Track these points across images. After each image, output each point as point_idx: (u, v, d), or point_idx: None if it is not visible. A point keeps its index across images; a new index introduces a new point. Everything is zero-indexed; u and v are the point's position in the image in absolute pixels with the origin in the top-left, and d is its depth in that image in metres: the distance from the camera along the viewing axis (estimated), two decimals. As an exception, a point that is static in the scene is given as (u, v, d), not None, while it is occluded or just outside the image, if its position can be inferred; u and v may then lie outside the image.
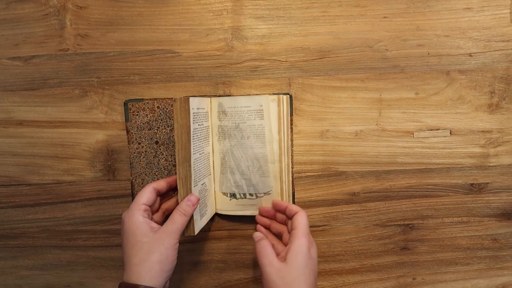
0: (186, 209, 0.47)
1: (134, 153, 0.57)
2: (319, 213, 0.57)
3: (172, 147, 0.56)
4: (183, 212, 0.46)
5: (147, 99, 0.56)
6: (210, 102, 0.54)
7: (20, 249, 0.59)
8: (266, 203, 0.55)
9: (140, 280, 0.43)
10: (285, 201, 0.54)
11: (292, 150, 0.56)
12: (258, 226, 0.54)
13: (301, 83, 0.56)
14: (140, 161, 0.57)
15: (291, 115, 0.56)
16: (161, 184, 0.50)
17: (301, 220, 0.48)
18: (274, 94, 0.55)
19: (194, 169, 0.48)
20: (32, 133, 0.57)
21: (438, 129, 0.56)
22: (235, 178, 0.55)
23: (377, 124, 0.56)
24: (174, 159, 0.55)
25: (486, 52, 0.55)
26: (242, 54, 0.56)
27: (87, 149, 0.57)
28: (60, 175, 0.58)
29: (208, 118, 0.53)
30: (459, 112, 0.56)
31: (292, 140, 0.56)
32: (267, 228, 0.54)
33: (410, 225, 0.57)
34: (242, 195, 0.55)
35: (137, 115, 0.56)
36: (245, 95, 0.56)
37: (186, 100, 0.45)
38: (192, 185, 0.48)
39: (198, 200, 0.48)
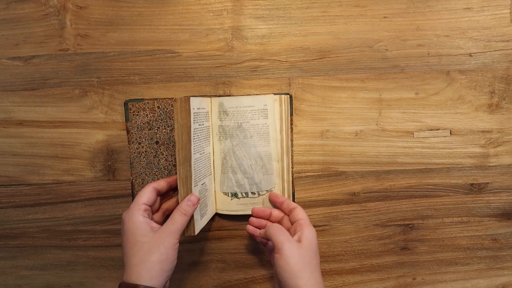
0: (187, 209, 0.47)
1: (134, 153, 0.57)
2: (319, 213, 0.57)
3: (172, 147, 0.56)
4: (183, 212, 0.46)
5: (147, 99, 0.56)
6: (211, 102, 0.54)
7: (20, 249, 0.59)
8: (269, 202, 0.55)
9: (140, 280, 0.43)
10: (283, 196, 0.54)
11: (292, 150, 0.56)
12: (249, 226, 0.54)
13: (301, 83, 0.56)
14: (140, 161, 0.57)
15: (291, 115, 0.56)
16: (161, 184, 0.50)
17: (303, 213, 0.50)
18: (274, 94, 0.55)
19: (194, 169, 0.48)
20: (32, 133, 0.57)
21: (438, 129, 0.56)
22: (237, 177, 0.55)
23: (377, 124, 0.56)
24: (175, 159, 0.55)
25: (486, 52, 0.55)
26: (242, 54, 0.56)
27: (87, 149, 0.57)
28: (60, 175, 0.58)
29: (208, 118, 0.53)
30: (459, 112, 0.56)
31: (292, 140, 0.56)
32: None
33: (410, 225, 0.57)
34: (244, 194, 0.55)
35: (137, 115, 0.56)
36: (246, 95, 0.56)
37: (186, 100, 0.45)
38: (193, 185, 0.48)
39: (199, 200, 0.48)
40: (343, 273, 0.58)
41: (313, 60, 0.55)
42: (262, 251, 0.58)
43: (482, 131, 0.56)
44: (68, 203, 0.58)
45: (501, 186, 0.57)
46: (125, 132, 0.57)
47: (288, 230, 0.50)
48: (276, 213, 0.53)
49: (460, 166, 0.56)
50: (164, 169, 0.56)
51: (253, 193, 0.55)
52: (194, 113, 0.47)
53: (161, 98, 0.56)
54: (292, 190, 0.57)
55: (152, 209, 0.49)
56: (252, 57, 0.56)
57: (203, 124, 0.51)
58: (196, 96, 0.56)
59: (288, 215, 0.52)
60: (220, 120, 0.54)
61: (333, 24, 0.55)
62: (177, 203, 0.48)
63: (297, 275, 0.44)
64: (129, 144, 0.56)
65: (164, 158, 0.56)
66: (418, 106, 0.56)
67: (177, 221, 0.46)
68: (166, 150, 0.56)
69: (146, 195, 0.48)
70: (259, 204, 0.55)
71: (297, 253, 0.45)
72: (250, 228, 0.53)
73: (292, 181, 0.57)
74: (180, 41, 0.56)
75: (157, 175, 0.56)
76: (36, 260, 0.59)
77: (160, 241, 0.45)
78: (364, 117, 0.56)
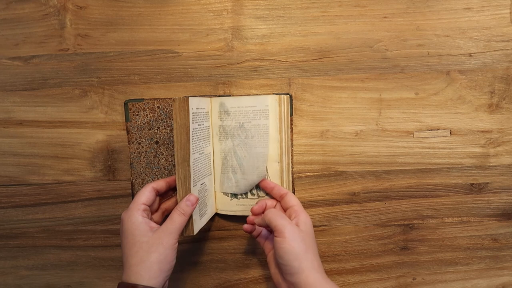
0: (185, 209, 0.47)
1: (134, 153, 0.57)
2: (319, 213, 0.57)
3: (172, 147, 0.56)
4: (182, 212, 0.46)
5: (147, 99, 0.56)
6: (211, 102, 0.54)
7: (20, 249, 0.59)
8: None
9: (139, 280, 0.43)
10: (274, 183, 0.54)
11: (292, 150, 0.56)
12: (245, 225, 0.53)
13: (301, 83, 0.56)
14: (140, 161, 0.57)
15: (291, 115, 0.56)
16: (161, 184, 0.50)
17: (295, 199, 0.51)
18: (274, 94, 0.55)
19: (193, 169, 0.48)
20: (32, 133, 0.57)
21: (438, 129, 0.56)
22: (237, 178, 0.55)
23: (377, 124, 0.56)
24: (174, 159, 0.55)
25: (486, 52, 0.55)
26: (242, 54, 0.56)
27: (87, 149, 0.57)
28: (60, 175, 0.58)
29: (208, 118, 0.53)
30: (459, 112, 0.56)
31: (292, 140, 0.56)
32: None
33: (410, 225, 0.57)
34: (243, 194, 0.55)
35: (137, 115, 0.56)
36: (247, 95, 0.56)
37: (185, 100, 0.45)
38: (192, 185, 0.48)
39: (197, 200, 0.48)
40: (343, 273, 0.58)
41: (313, 60, 0.55)
42: (262, 251, 0.58)
43: (482, 131, 0.56)
44: (68, 203, 0.58)
45: (501, 186, 0.57)
46: (125, 132, 0.57)
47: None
48: (270, 202, 0.53)
49: (460, 166, 0.56)
50: (164, 169, 0.56)
51: (252, 194, 0.55)
52: (193, 113, 0.47)
53: (161, 98, 0.56)
54: (292, 190, 0.57)
55: (151, 209, 0.49)
56: (252, 57, 0.56)
57: (202, 124, 0.51)
58: (195, 96, 0.56)
59: (280, 201, 0.52)
60: (221, 120, 0.54)
61: (333, 24, 0.55)
62: (176, 203, 0.48)
63: (301, 257, 0.44)
64: (129, 144, 0.56)
65: (164, 158, 0.56)
66: (418, 106, 0.56)
67: (176, 221, 0.46)
68: (166, 150, 0.56)
69: (145, 195, 0.48)
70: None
71: (299, 236, 0.46)
72: (246, 226, 0.53)
73: (292, 181, 0.57)
74: (180, 41, 0.56)
75: (157, 175, 0.56)
76: (36, 260, 0.59)
77: (159, 241, 0.45)
78: (364, 117, 0.56)
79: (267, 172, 0.54)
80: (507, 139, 0.56)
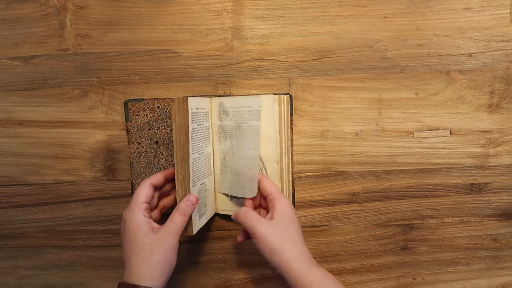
0: (186, 209, 0.47)
1: (134, 153, 0.57)
2: (319, 213, 0.57)
3: (172, 147, 0.56)
4: (182, 212, 0.46)
5: (147, 99, 0.56)
6: (210, 102, 0.54)
7: (20, 249, 0.59)
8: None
9: (140, 281, 0.43)
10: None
11: (292, 150, 0.56)
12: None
13: (301, 83, 0.56)
14: (140, 161, 0.57)
15: (291, 115, 0.56)
16: (158, 178, 0.49)
17: (271, 185, 0.50)
18: (274, 94, 0.55)
19: (193, 169, 0.47)
20: (32, 133, 0.57)
21: (438, 129, 0.56)
22: (232, 179, 0.54)
23: (377, 124, 0.56)
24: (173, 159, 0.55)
25: (486, 52, 0.55)
26: (242, 54, 0.56)
27: (87, 149, 0.57)
28: (60, 175, 0.58)
29: (208, 118, 0.53)
30: (459, 112, 0.56)
31: (292, 140, 0.56)
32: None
33: (410, 225, 0.57)
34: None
35: (137, 115, 0.56)
36: (246, 95, 0.56)
37: (184, 100, 0.45)
38: (191, 184, 0.47)
39: (197, 199, 0.48)
40: (343, 273, 0.58)
41: (313, 60, 0.55)
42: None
43: (482, 131, 0.56)
44: (68, 203, 0.58)
45: (501, 186, 0.57)
46: (125, 132, 0.57)
47: (266, 207, 0.50)
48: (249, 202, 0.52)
49: (460, 166, 0.56)
50: (164, 169, 0.56)
51: (236, 198, 0.55)
52: (192, 113, 0.47)
53: (161, 98, 0.56)
54: (292, 190, 0.57)
55: (150, 206, 0.49)
56: (252, 57, 0.56)
57: (202, 124, 0.51)
58: (195, 96, 0.56)
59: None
60: (220, 120, 0.54)
61: (333, 24, 0.55)
62: (175, 201, 0.48)
63: (279, 251, 0.45)
64: (129, 144, 0.56)
65: (164, 158, 0.56)
66: (418, 106, 0.56)
67: (177, 221, 0.46)
68: (166, 150, 0.56)
69: (145, 192, 0.47)
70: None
71: (271, 231, 0.46)
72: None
73: (292, 181, 0.57)
74: (180, 41, 0.56)
75: (157, 175, 0.56)
76: (36, 260, 0.59)
77: (161, 242, 0.45)
78: (364, 117, 0.56)
79: (266, 173, 0.54)
80: (507, 139, 0.56)
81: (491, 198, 0.57)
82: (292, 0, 0.55)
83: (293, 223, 0.47)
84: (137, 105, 0.56)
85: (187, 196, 0.47)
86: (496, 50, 0.55)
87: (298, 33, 0.55)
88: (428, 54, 0.55)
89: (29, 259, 0.59)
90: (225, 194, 0.56)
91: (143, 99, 0.56)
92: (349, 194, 0.57)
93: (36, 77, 0.57)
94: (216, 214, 0.57)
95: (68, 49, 0.56)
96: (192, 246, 0.58)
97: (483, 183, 0.57)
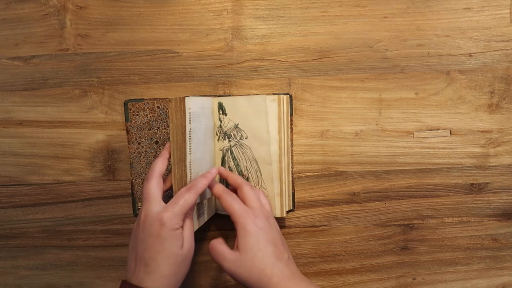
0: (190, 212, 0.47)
1: (134, 153, 0.57)
2: (319, 213, 0.57)
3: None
4: (190, 216, 0.47)
5: (147, 99, 0.56)
6: (211, 101, 0.54)
7: (20, 249, 0.59)
8: None
9: None
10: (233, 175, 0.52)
11: (292, 150, 0.56)
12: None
13: (301, 83, 0.56)
14: (140, 161, 0.57)
15: (291, 115, 0.56)
16: (164, 165, 0.48)
17: (229, 204, 0.46)
18: (274, 94, 0.55)
19: (191, 169, 0.47)
20: (32, 133, 0.57)
21: (438, 129, 0.56)
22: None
23: (377, 124, 0.56)
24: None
25: (486, 52, 0.55)
26: (242, 54, 0.56)
27: (87, 149, 0.57)
28: (60, 175, 0.58)
29: (210, 118, 0.53)
30: (459, 112, 0.56)
31: (292, 140, 0.56)
32: None
33: (410, 225, 0.57)
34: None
35: (137, 115, 0.56)
36: (245, 95, 0.56)
37: (181, 100, 0.45)
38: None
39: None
40: (343, 273, 0.58)
41: (313, 60, 0.55)
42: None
43: (482, 131, 0.56)
44: (68, 203, 0.58)
45: (501, 186, 0.57)
46: (125, 132, 0.57)
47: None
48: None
49: (460, 166, 0.56)
50: (164, 169, 0.56)
51: None
52: (192, 112, 0.47)
53: (161, 98, 0.56)
54: (292, 190, 0.57)
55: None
56: (252, 57, 0.56)
57: (204, 124, 0.51)
58: (195, 96, 0.56)
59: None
60: (220, 120, 0.54)
61: (333, 24, 0.55)
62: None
63: (248, 283, 0.44)
64: (129, 144, 0.56)
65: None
66: (418, 106, 0.56)
67: (192, 227, 0.47)
68: (166, 150, 0.56)
69: (186, 199, 0.45)
70: None
71: (236, 267, 0.44)
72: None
73: (292, 181, 0.57)
74: (180, 41, 0.56)
75: (157, 175, 0.56)
76: (36, 260, 0.59)
77: (189, 257, 0.45)
78: (364, 117, 0.56)
79: (261, 175, 0.54)
80: (507, 139, 0.56)
81: (491, 198, 0.57)
82: (292, 0, 0.55)
83: (259, 244, 0.44)
84: (137, 105, 0.56)
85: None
86: (496, 50, 0.55)
87: (298, 33, 0.55)
88: (428, 54, 0.55)
89: (29, 259, 0.59)
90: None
91: (143, 99, 0.56)
92: (349, 194, 0.57)
93: (36, 77, 0.57)
94: (216, 214, 0.57)
95: (68, 49, 0.56)
96: (192, 246, 0.58)
97: (483, 183, 0.57)
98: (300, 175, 0.57)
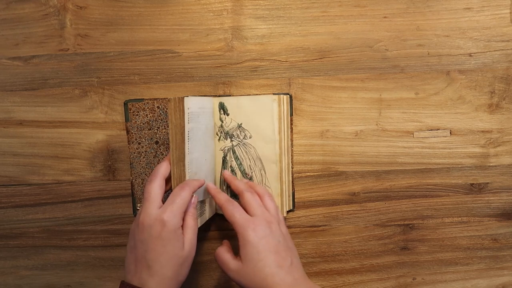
0: (193, 211, 0.47)
1: (134, 153, 0.57)
2: (319, 213, 0.57)
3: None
4: (194, 217, 0.47)
5: (147, 99, 0.56)
6: (212, 102, 0.54)
7: (20, 249, 0.59)
8: None
9: None
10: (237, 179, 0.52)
11: (292, 150, 0.56)
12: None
13: (301, 83, 0.56)
14: (140, 161, 0.57)
15: (291, 115, 0.56)
16: (167, 167, 0.48)
17: (230, 213, 0.47)
18: (274, 94, 0.55)
19: (191, 169, 0.47)
20: (32, 133, 0.57)
21: (438, 129, 0.56)
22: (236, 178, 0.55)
23: (377, 124, 0.56)
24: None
25: (486, 52, 0.55)
26: (242, 54, 0.56)
27: (87, 149, 0.57)
28: (60, 175, 0.58)
29: (211, 118, 0.53)
30: (459, 112, 0.56)
31: (292, 140, 0.56)
32: None
33: (410, 225, 0.57)
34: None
35: (137, 115, 0.56)
36: (246, 95, 0.56)
37: (180, 100, 0.45)
38: None
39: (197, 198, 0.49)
40: (343, 273, 0.58)
41: (313, 60, 0.55)
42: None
43: (482, 131, 0.56)
44: (68, 203, 0.58)
45: (501, 186, 0.57)
46: (125, 132, 0.57)
47: None
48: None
49: (460, 166, 0.56)
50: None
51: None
52: (192, 112, 0.47)
53: (161, 98, 0.56)
54: (292, 190, 0.57)
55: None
56: (252, 57, 0.56)
57: (204, 124, 0.51)
58: (195, 96, 0.56)
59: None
60: (221, 120, 0.54)
61: (333, 24, 0.55)
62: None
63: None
64: (129, 144, 0.56)
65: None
66: (418, 106, 0.56)
67: (194, 228, 0.46)
68: (166, 150, 0.56)
69: (183, 197, 0.45)
70: None
71: (241, 276, 0.45)
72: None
73: (292, 181, 0.57)
74: (180, 41, 0.56)
75: (157, 175, 0.56)
76: (36, 260, 0.59)
77: (191, 257, 0.45)
78: (364, 117, 0.56)
79: (265, 174, 0.54)
80: (507, 139, 0.56)
81: (491, 198, 0.57)
82: (292, 0, 0.55)
83: (260, 253, 0.44)
84: (137, 105, 0.56)
85: (192, 199, 0.47)
86: (496, 50, 0.55)
87: (298, 33, 0.55)
88: (428, 54, 0.55)
89: (29, 259, 0.59)
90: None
91: (143, 99, 0.56)
92: (349, 194, 0.57)
93: (36, 77, 0.57)
94: (216, 214, 0.57)
95: (68, 49, 0.56)
96: (192, 246, 0.58)
97: (483, 183, 0.57)
98: (300, 175, 0.57)
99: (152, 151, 0.56)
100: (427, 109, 0.56)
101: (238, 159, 0.54)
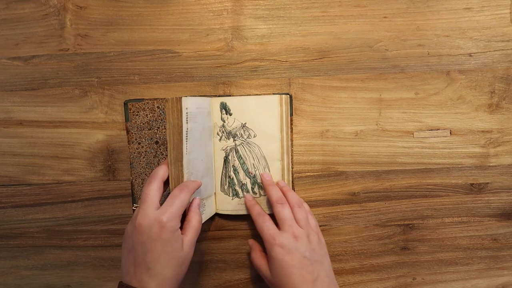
0: (196, 210, 0.48)
1: (134, 153, 0.57)
2: (319, 213, 0.57)
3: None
4: (196, 215, 0.48)
5: (147, 99, 0.56)
6: (212, 101, 0.54)
7: (20, 249, 0.59)
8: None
9: None
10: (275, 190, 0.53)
11: (292, 150, 0.56)
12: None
13: (301, 83, 0.56)
14: (140, 161, 0.57)
15: (291, 115, 0.56)
16: (166, 169, 0.48)
17: (261, 225, 0.49)
18: (274, 94, 0.55)
19: (189, 169, 0.47)
20: (32, 133, 0.57)
21: (438, 129, 0.56)
22: (239, 177, 0.55)
23: (377, 124, 0.56)
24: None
25: (486, 52, 0.55)
26: (242, 54, 0.56)
27: (87, 149, 0.57)
28: (60, 175, 0.58)
29: (209, 118, 0.53)
30: (459, 112, 0.56)
31: (292, 140, 0.56)
32: None
33: (410, 225, 0.57)
34: (245, 193, 0.55)
35: (137, 115, 0.56)
36: (248, 95, 0.56)
37: (178, 100, 0.45)
38: None
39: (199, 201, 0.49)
40: (343, 273, 0.58)
41: (313, 60, 0.55)
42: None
43: (482, 131, 0.56)
44: (68, 203, 0.58)
45: (501, 186, 0.57)
46: (125, 132, 0.57)
47: None
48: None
49: (460, 166, 0.56)
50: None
51: (254, 192, 0.55)
52: (189, 112, 0.47)
53: (161, 98, 0.56)
54: (292, 190, 0.57)
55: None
56: (252, 57, 0.56)
57: (202, 124, 0.51)
58: (195, 96, 0.56)
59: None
60: (222, 120, 0.54)
61: (333, 24, 0.55)
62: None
63: None
64: (129, 144, 0.56)
65: (164, 158, 0.56)
66: (418, 106, 0.56)
67: (197, 229, 0.47)
68: (166, 150, 0.56)
69: (182, 199, 0.46)
70: (261, 204, 0.55)
71: (270, 283, 0.48)
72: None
73: (292, 181, 0.57)
74: (180, 41, 0.56)
75: (157, 175, 0.56)
76: (36, 260, 0.59)
77: (189, 257, 0.46)
78: (364, 117, 0.56)
79: (269, 171, 0.54)
80: (507, 139, 0.56)
81: (491, 198, 0.57)
82: (292, 0, 0.55)
83: (285, 270, 0.46)
84: (137, 105, 0.56)
85: (192, 202, 0.48)
86: (496, 50, 0.55)
87: (298, 33, 0.55)
88: (428, 54, 0.55)
89: (29, 259, 0.59)
90: (226, 194, 0.56)
91: (143, 99, 0.56)
92: (349, 194, 0.57)
93: (36, 77, 0.57)
94: (216, 214, 0.57)
95: (68, 49, 0.56)
96: (192, 246, 0.58)
97: (483, 183, 0.57)
98: (300, 175, 0.57)
99: (152, 151, 0.56)
100: (427, 109, 0.56)
101: (241, 158, 0.54)
